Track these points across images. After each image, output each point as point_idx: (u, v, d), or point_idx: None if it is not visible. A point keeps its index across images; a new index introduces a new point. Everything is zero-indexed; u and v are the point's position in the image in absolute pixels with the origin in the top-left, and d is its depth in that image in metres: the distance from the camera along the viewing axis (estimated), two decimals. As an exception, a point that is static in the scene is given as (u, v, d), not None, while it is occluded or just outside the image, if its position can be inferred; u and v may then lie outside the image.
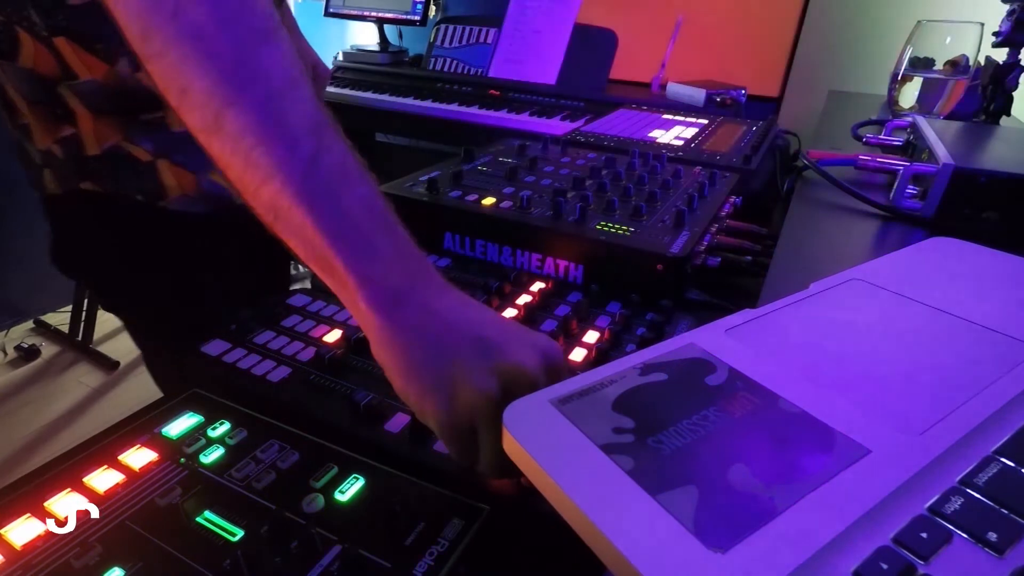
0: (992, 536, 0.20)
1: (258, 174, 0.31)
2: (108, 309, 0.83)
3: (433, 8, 1.78)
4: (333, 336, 0.48)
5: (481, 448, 0.32)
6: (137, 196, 0.65)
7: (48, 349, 2.03)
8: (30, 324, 2.12)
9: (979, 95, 0.93)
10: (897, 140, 0.79)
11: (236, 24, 0.31)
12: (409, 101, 1.58)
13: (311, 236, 0.32)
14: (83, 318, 2.02)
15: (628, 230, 0.57)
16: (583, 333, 0.49)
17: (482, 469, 0.32)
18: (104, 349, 2.01)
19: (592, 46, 1.50)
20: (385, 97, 1.61)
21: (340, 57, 1.85)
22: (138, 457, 0.35)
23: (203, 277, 0.72)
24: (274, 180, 0.31)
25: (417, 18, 1.72)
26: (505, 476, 0.33)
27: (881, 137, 0.82)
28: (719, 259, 0.58)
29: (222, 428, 0.38)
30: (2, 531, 0.30)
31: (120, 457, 0.35)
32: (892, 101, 0.90)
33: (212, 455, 0.35)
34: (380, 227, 0.33)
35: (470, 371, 0.31)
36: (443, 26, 1.67)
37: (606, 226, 0.58)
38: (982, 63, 0.94)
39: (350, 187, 0.33)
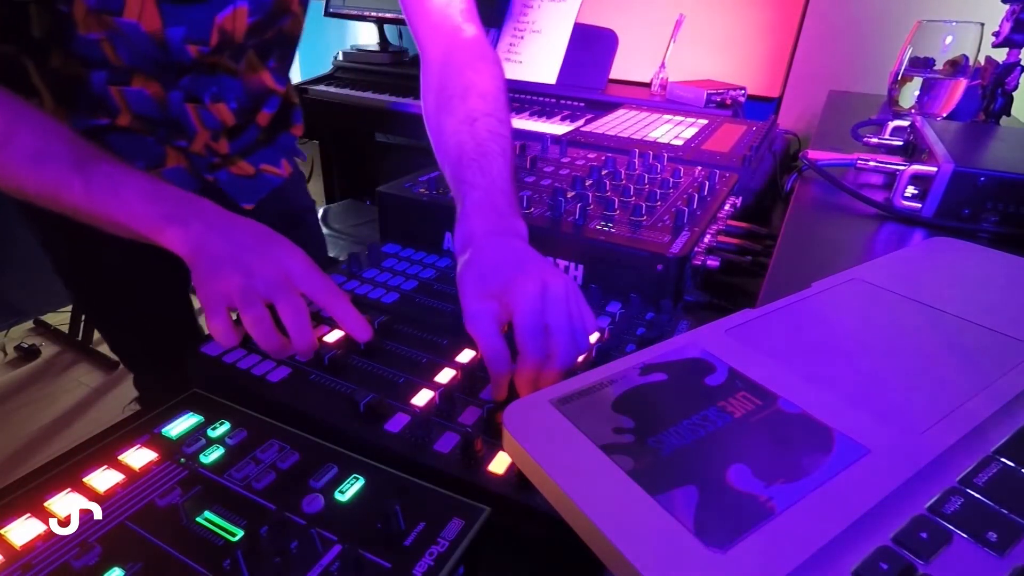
0: (992, 536, 0.20)
1: (57, 208, 0.47)
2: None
3: (433, 8, 1.78)
4: (333, 336, 0.48)
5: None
6: None
7: (48, 349, 2.02)
8: (30, 324, 2.12)
9: (979, 95, 0.93)
10: (897, 140, 0.79)
11: None
12: (409, 101, 1.58)
13: (115, 225, 0.47)
14: (83, 318, 2.01)
15: (628, 230, 0.57)
16: (583, 333, 0.49)
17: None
18: (104, 349, 2.00)
19: (592, 46, 1.50)
20: (385, 97, 1.61)
21: (340, 57, 1.85)
22: (138, 457, 0.35)
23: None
24: (67, 208, 0.47)
25: (417, 18, 1.71)
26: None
27: (881, 138, 0.82)
28: (719, 259, 0.57)
29: (222, 428, 0.37)
30: (2, 531, 0.30)
31: (120, 457, 0.35)
32: (892, 101, 0.90)
33: (212, 455, 0.35)
34: (154, 197, 0.47)
35: (241, 279, 0.43)
36: (443, 26, 1.67)
37: (606, 226, 0.58)
38: (982, 63, 0.94)
39: (124, 187, 0.47)
